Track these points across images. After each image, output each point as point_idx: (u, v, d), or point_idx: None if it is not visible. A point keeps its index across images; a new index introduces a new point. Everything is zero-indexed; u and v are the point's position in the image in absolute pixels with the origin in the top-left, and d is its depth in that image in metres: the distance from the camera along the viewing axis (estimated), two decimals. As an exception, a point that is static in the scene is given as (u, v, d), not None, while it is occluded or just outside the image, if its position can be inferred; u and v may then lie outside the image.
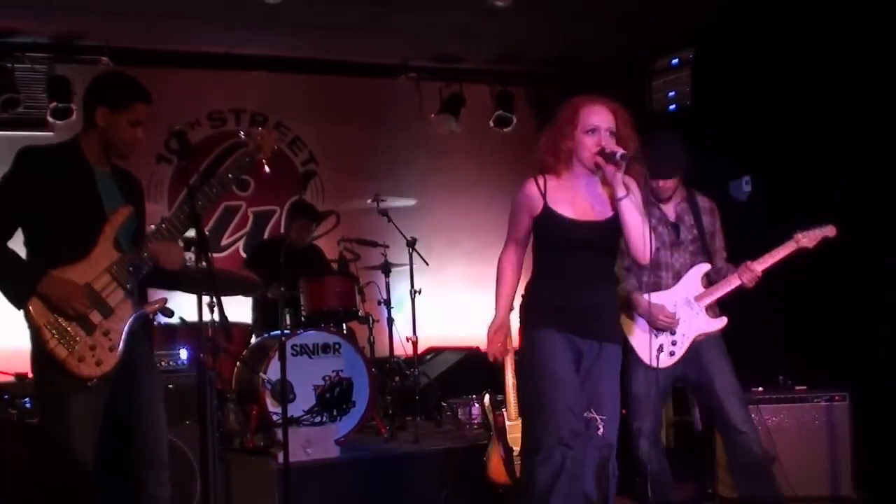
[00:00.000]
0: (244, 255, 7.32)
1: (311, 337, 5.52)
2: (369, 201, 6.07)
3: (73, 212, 3.27)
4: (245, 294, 5.98)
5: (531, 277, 3.67)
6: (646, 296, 4.22)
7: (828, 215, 4.33)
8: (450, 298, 7.73)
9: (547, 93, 8.15)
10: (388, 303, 6.15)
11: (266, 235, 7.62)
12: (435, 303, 6.96)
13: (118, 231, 3.33)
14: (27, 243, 3.33)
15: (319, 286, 5.85)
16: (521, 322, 3.68)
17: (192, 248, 3.60)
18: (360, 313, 6.02)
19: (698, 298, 4.33)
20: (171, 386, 4.40)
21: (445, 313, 7.54)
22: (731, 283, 4.30)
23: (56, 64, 6.93)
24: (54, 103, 6.77)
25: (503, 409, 4.73)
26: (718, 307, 4.39)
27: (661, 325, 4.26)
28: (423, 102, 8.05)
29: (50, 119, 6.81)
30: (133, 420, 3.37)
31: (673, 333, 4.28)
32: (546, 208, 3.53)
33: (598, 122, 3.51)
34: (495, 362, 3.75)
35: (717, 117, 6.48)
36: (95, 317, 3.24)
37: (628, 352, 4.09)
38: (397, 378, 6.31)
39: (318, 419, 5.32)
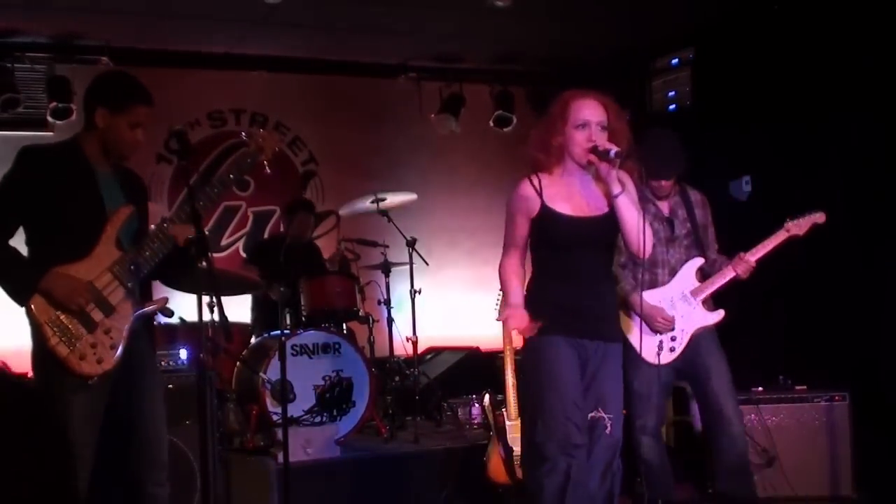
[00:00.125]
0: (244, 256, 7.32)
1: (311, 337, 5.52)
2: (369, 202, 6.04)
3: (74, 211, 3.27)
4: (245, 293, 5.99)
5: (531, 280, 3.61)
6: (644, 294, 4.23)
7: (828, 215, 4.34)
8: (450, 298, 7.73)
9: (547, 93, 8.11)
10: (388, 303, 6.15)
11: (266, 235, 7.62)
12: (435, 303, 6.96)
13: (119, 230, 3.33)
14: (28, 242, 3.33)
15: (320, 286, 5.85)
16: None
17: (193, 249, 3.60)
18: (360, 313, 6.02)
19: (694, 293, 4.35)
20: (171, 386, 4.39)
21: (445, 313, 7.54)
22: (726, 276, 4.32)
23: (56, 64, 6.94)
24: (54, 103, 6.77)
25: (503, 409, 4.73)
26: (714, 300, 4.41)
27: (660, 327, 4.28)
28: (423, 102, 8.06)
29: (50, 119, 6.82)
30: (133, 420, 3.37)
31: (672, 329, 4.30)
32: (544, 207, 3.47)
33: (589, 116, 3.43)
34: (525, 334, 3.50)
35: (716, 117, 6.49)
36: (97, 315, 3.24)
37: (628, 349, 4.10)
38: (397, 378, 6.31)
39: (318, 419, 5.32)
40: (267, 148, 3.55)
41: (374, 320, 6.11)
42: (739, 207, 6.21)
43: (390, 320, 6.13)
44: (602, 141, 3.40)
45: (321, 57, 7.70)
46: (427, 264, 6.26)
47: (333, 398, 5.48)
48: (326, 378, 5.49)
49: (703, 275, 4.41)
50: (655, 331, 4.28)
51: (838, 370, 5.27)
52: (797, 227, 4.30)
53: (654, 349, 4.25)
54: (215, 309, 4.04)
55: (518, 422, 4.64)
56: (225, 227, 7.58)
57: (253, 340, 6.03)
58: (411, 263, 6.04)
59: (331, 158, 8.00)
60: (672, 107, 6.94)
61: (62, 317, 3.19)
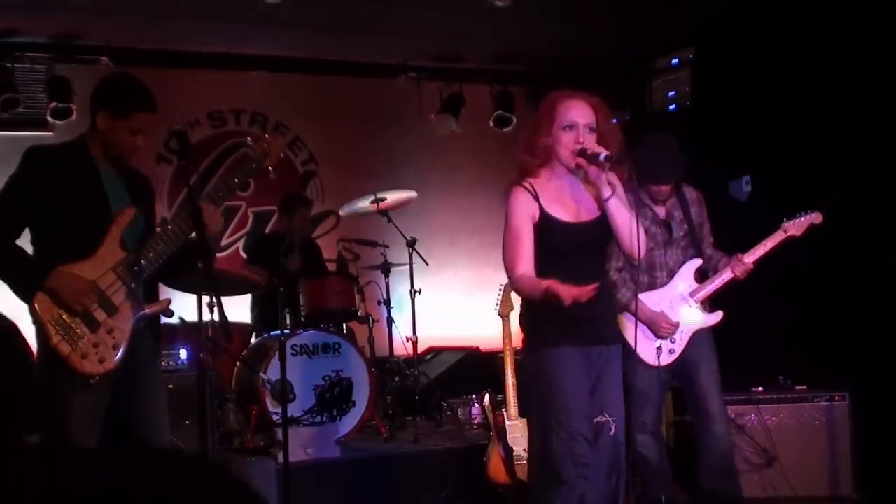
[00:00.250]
0: (245, 256, 7.32)
1: (311, 337, 5.52)
2: (369, 202, 6.03)
3: (78, 211, 3.28)
4: (245, 293, 5.99)
5: None
6: (643, 296, 4.24)
7: (828, 215, 4.34)
8: (450, 298, 7.73)
9: (547, 93, 8.14)
10: (387, 303, 6.15)
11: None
12: (435, 303, 6.96)
13: (124, 231, 3.34)
14: (34, 241, 3.35)
15: (319, 286, 5.85)
16: (527, 339, 3.49)
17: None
18: (360, 313, 6.01)
19: (693, 294, 4.35)
20: (171, 386, 4.40)
21: (445, 313, 7.54)
22: (724, 277, 4.33)
23: (56, 64, 6.94)
24: (54, 103, 6.77)
25: (503, 409, 4.73)
26: (713, 299, 4.42)
27: (664, 333, 4.28)
28: (423, 102, 8.06)
29: (50, 119, 6.82)
30: (135, 420, 3.37)
31: (674, 334, 4.31)
32: (543, 213, 3.36)
33: (577, 117, 3.32)
34: (580, 296, 3.14)
35: (717, 117, 6.49)
36: (100, 314, 3.25)
37: (629, 351, 4.10)
38: (397, 378, 6.31)
39: (318, 419, 5.32)
40: (272, 153, 3.55)
41: (373, 320, 6.12)
42: (739, 207, 6.21)
43: (390, 320, 6.14)
44: (591, 143, 3.30)
45: (321, 57, 7.70)
46: (427, 264, 6.26)
47: (333, 398, 5.47)
48: (326, 378, 5.49)
49: (702, 276, 4.41)
50: (660, 336, 4.29)
51: (838, 370, 5.27)
52: (794, 227, 4.30)
53: (653, 351, 4.25)
54: (215, 309, 4.05)
55: (518, 422, 4.65)
56: (225, 227, 7.57)
57: (253, 340, 6.03)
58: (411, 263, 6.04)
59: (331, 158, 8.00)
60: (672, 107, 6.94)
61: (65, 316, 3.20)
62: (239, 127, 7.72)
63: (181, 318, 4.89)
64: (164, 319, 3.61)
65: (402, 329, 6.18)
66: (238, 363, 5.65)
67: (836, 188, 5.60)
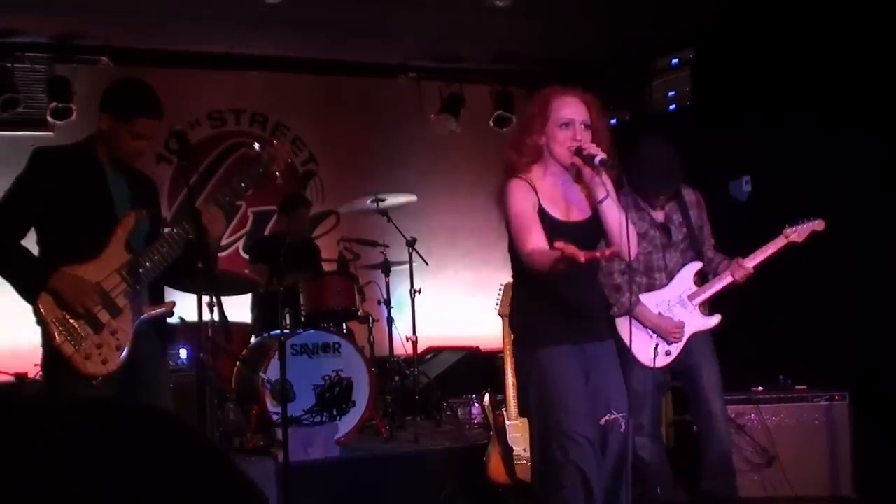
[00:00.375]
0: (247, 256, 7.32)
1: (311, 337, 5.52)
2: (369, 202, 6.04)
3: (84, 212, 3.29)
4: (245, 293, 5.99)
5: (521, 289, 3.48)
6: (642, 297, 4.24)
7: (827, 215, 4.34)
8: (450, 298, 7.73)
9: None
10: (387, 302, 6.14)
11: (266, 233, 7.62)
12: (435, 303, 6.96)
13: (129, 233, 3.35)
14: (39, 242, 3.35)
15: (319, 286, 5.85)
16: (522, 340, 3.47)
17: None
18: (360, 313, 6.01)
19: (691, 297, 4.34)
20: (171, 386, 4.40)
21: (445, 313, 7.54)
22: (724, 281, 4.32)
23: (56, 64, 6.95)
24: (54, 103, 6.78)
25: (503, 409, 4.73)
26: (711, 305, 4.41)
27: (673, 339, 4.27)
28: (423, 102, 8.06)
29: (50, 119, 6.82)
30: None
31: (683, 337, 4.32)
32: (541, 206, 3.32)
33: (572, 114, 3.28)
34: (598, 255, 3.01)
35: (717, 117, 6.48)
36: (104, 315, 3.25)
37: (624, 351, 4.10)
38: (397, 378, 6.31)
39: (318, 419, 5.32)
40: (279, 159, 3.57)
41: (373, 320, 6.11)
42: (739, 207, 6.20)
43: (390, 320, 6.13)
44: (587, 143, 3.27)
45: (321, 57, 7.70)
46: (427, 264, 6.26)
47: (333, 398, 5.47)
48: (326, 378, 5.49)
49: (702, 278, 4.40)
50: (668, 342, 4.29)
51: (838, 370, 5.27)
52: (796, 233, 4.28)
53: (649, 352, 4.25)
54: (215, 309, 4.05)
55: (518, 421, 4.65)
56: (225, 228, 7.57)
57: (253, 340, 6.03)
58: (411, 263, 6.04)
59: (331, 158, 8.00)
60: (672, 107, 6.93)
61: (68, 316, 3.20)
62: (239, 127, 7.73)
63: (181, 318, 4.90)
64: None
65: (402, 329, 6.18)
66: (238, 363, 5.66)
67: (836, 188, 5.60)
